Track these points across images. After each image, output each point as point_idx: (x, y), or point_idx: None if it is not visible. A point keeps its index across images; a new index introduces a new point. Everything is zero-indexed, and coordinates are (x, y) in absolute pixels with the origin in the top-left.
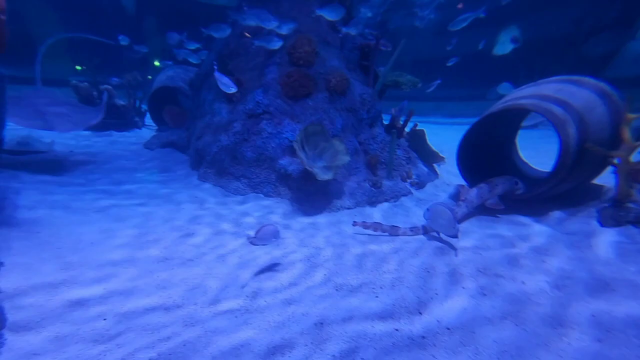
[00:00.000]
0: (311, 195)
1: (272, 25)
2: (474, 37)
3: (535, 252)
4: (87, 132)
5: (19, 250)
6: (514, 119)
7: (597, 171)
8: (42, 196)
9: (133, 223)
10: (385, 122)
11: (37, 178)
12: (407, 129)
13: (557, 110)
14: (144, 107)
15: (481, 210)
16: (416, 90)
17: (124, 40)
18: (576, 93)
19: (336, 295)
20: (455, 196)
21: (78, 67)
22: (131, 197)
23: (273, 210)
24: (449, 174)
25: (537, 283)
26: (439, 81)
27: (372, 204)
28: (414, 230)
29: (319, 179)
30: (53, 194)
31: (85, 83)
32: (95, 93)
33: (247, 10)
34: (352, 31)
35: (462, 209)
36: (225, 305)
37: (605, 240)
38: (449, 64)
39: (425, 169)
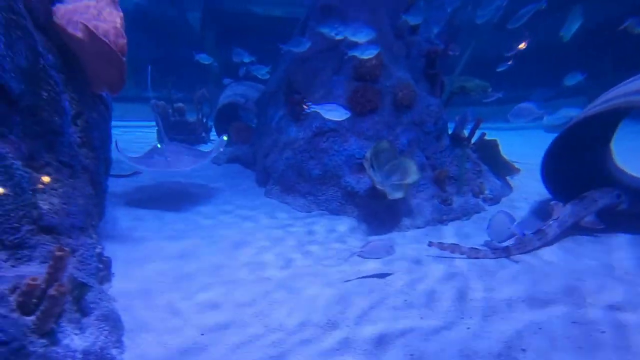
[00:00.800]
0: (379, 214)
1: (362, 37)
2: (541, 27)
3: None
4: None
5: (124, 263)
6: (609, 121)
7: None
8: (133, 210)
9: (213, 238)
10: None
11: (130, 195)
12: (473, 139)
13: None
14: (210, 122)
15: (576, 230)
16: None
17: (206, 59)
18: None
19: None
20: (538, 213)
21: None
22: (205, 213)
23: (340, 228)
24: (525, 187)
25: None
26: (499, 94)
27: (443, 222)
28: (496, 252)
29: (390, 197)
30: (141, 209)
31: (162, 101)
32: (170, 110)
33: (339, 23)
34: (436, 29)
35: (553, 229)
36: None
37: None
38: (500, 69)
39: (499, 183)
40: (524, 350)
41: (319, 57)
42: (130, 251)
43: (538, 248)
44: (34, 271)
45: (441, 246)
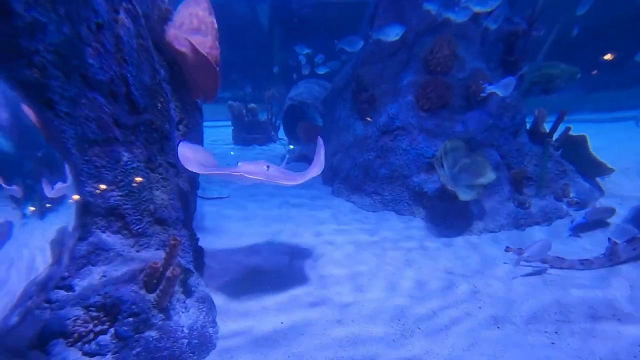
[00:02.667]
0: (449, 216)
1: (490, 3)
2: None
3: None
4: (238, 146)
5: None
6: None
7: None
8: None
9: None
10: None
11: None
12: (555, 135)
13: None
14: (278, 121)
15: None
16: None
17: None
18: None
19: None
20: (637, 219)
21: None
22: (270, 207)
23: (407, 229)
24: (620, 190)
25: None
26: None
27: (520, 227)
28: (585, 263)
29: (461, 199)
30: (222, 207)
31: (237, 102)
32: (243, 111)
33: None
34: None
35: None
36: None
37: None
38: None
39: (587, 185)
40: None
41: (387, 51)
42: (213, 241)
43: (634, 258)
44: (151, 256)
45: (520, 252)
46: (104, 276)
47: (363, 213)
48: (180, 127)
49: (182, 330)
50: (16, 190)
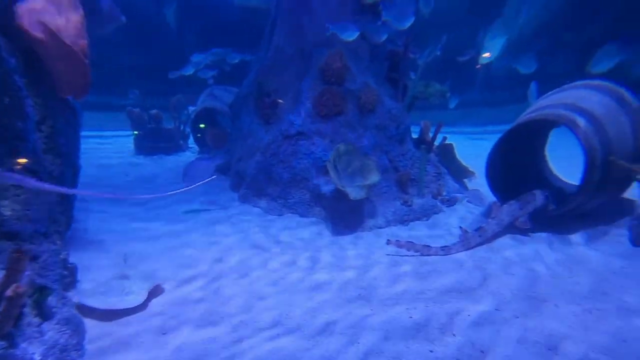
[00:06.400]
0: (345, 215)
1: None
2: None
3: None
4: (141, 156)
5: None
6: (542, 128)
7: (626, 185)
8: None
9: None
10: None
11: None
12: (436, 143)
13: (581, 121)
14: (187, 129)
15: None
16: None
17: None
18: (597, 101)
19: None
20: (488, 214)
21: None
22: (177, 217)
23: (304, 230)
24: (481, 189)
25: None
26: (456, 100)
27: (404, 222)
28: (445, 249)
29: (351, 198)
30: (108, 215)
31: (137, 109)
32: (145, 117)
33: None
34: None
35: (491, 226)
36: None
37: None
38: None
39: (456, 185)
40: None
41: (287, 59)
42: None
43: (480, 244)
44: None
45: (398, 244)
46: None
47: (267, 217)
48: (43, 127)
49: (33, 358)
50: None
